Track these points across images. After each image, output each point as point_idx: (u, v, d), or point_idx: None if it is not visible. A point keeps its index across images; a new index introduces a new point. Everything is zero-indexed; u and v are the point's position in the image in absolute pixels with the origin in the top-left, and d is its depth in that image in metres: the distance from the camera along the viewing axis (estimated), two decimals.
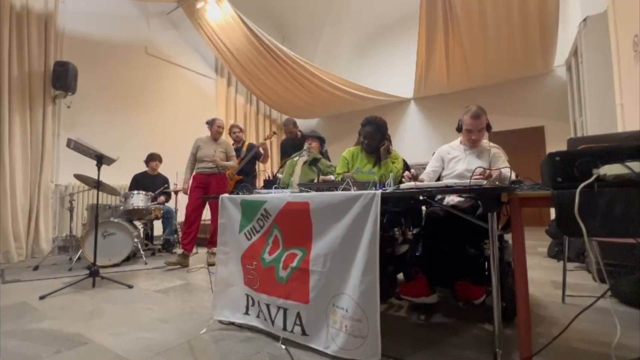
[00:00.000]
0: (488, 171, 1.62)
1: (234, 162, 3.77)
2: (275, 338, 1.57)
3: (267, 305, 1.63)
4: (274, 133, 4.23)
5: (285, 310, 1.56)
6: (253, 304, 1.71)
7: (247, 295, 1.74)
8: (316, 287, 1.47)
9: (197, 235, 3.54)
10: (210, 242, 3.57)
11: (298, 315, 1.51)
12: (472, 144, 2.08)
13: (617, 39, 2.76)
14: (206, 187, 3.60)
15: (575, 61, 4.50)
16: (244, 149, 4.02)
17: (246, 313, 1.73)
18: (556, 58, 5.35)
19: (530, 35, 4.70)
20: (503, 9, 4.38)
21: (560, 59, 5.31)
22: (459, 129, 2.13)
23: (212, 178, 3.61)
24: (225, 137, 4.23)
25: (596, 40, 3.63)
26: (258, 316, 1.68)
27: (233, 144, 4.11)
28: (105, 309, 2.11)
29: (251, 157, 3.90)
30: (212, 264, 3.15)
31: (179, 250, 3.53)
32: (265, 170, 4.29)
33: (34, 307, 2.15)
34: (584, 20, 3.82)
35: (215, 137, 3.73)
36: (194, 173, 3.71)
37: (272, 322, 1.60)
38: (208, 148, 3.65)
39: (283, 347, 1.49)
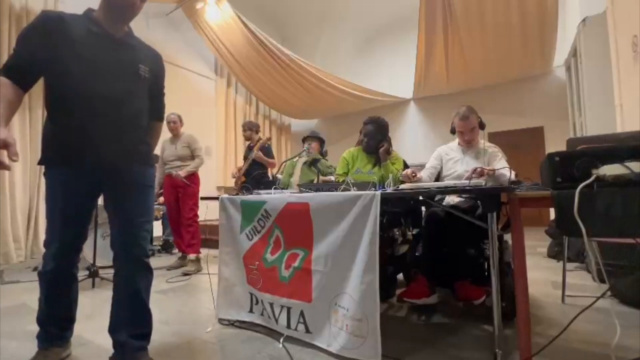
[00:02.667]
0: (480, 168, 1.63)
1: (198, 161, 3.42)
2: (276, 338, 1.57)
3: (271, 304, 1.65)
4: (269, 139, 4.06)
5: (288, 309, 1.58)
6: (257, 303, 1.73)
7: (251, 294, 1.75)
8: (318, 286, 1.49)
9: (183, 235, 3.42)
10: (188, 246, 3.31)
11: (301, 313, 1.53)
12: (468, 144, 2.12)
13: (616, 39, 2.77)
14: (175, 188, 3.37)
15: (574, 61, 4.51)
16: (255, 148, 3.78)
17: (250, 311, 1.75)
18: (555, 58, 5.36)
19: (529, 35, 4.71)
20: (502, 9, 4.39)
21: (559, 60, 5.33)
22: (453, 132, 2.17)
23: (179, 180, 3.30)
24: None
25: (595, 41, 3.64)
26: (262, 314, 1.70)
27: (250, 142, 3.90)
28: (105, 310, 2.09)
29: (250, 160, 3.75)
30: (187, 273, 3.04)
31: (179, 254, 3.50)
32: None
33: (33, 308, 2.14)
34: (583, 20, 3.83)
35: (172, 134, 3.46)
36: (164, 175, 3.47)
37: (276, 320, 1.62)
38: (169, 147, 3.45)
39: (281, 346, 1.49)
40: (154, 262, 3.91)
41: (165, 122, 3.42)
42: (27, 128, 4.04)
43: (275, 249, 1.67)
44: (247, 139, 3.96)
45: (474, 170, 1.62)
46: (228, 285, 1.83)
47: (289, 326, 1.57)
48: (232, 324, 1.77)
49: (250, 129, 3.92)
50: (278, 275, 1.63)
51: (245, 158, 3.86)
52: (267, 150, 3.83)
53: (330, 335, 1.43)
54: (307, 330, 1.51)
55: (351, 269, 1.38)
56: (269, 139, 4.10)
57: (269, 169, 4.02)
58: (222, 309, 1.82)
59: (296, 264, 1.57)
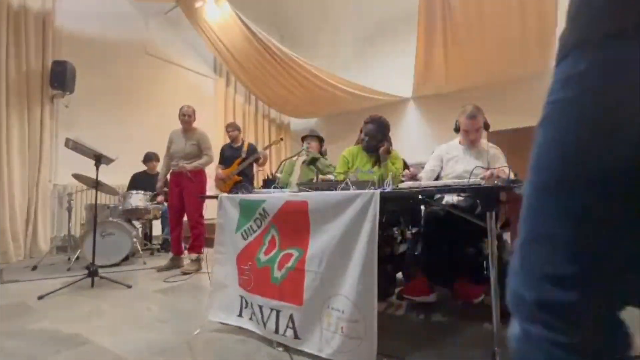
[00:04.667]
0: (489, 171, 1.61)
1: (207, 159, 3.37)
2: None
3: (260, 307, 1.60)
4: (281, 139, 4.11)
5: (278, 312, 1.53)
6: (246, 306, 1.69)
7: (241, 297, 1.72)
8: (310, 287, 1.44)
9: (181, 235, 3.41)
10: (191, 246, 3.32)
11: (291, 317, 1.48)
12: (471, 144, 2.09)
13: None
14: (180, 186, 3.31)
15: None
16: (245, 148, 3.86)
17: (240, 315, 1.70)
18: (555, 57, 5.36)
19: (528, 34, 4.71)
20: (501, 8, 4.39)
21: None
22: (457, 130, 2.14)
23: (183, 176, 3.26)
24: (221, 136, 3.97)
25: None
26: (251, 319, 1.65)
27: (232, 142, 3.98)
28: (104, 309, 2.11)
29: (255, 159, 3.77)
30: (187, 272, 3.06)
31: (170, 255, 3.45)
32: (263, 170, 4.23)
33: (32, 307, 2.15)
34: None
35: (184, 127, 3.37)
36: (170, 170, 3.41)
37: (264, 324, 1.57)
38: (179, 142, 3.32)
39: (280, 349, 1.48)
40: (153, 261, 3.93)
41: (179, 114, 3.33)
42: (26, 127, 4.03)
43: (270, 249, 1.63)
44: (233, 139, 3.97)
45: (490, 175, 1.55)
46: (220, 286, 1.81)
47: (277, 331, 1.51)
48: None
49: (237, 129, 3.98)
50: (270, 277, 1.58)
51: (232, 158, 3.84)
52: (254, 149, 3.89)
53: (322, 340, 1.39)
54: (296, 336, 1.46)
55: (347, 269, 1.36)
56: (281, 139, 4.13)
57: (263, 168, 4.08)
58: (213, 311, 1.78)
59: (290, 264, 1.53)
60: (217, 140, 6.77)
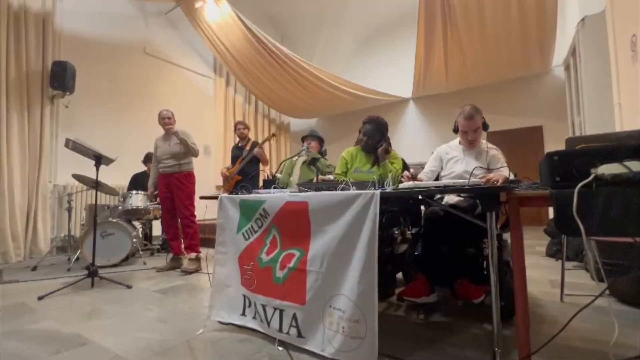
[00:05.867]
0: (488, 177, 1.59)
1: (194, 146, 3.43)
2: (274, 338, 1.57)
3: (264, 307, 1.62)
4: (273, 135, 4.11)
5: (281, 311, 1.55)
6: (250, 305, 1.70)
7: (244, 296, 1.73)
8: (313, 287, 1.46)
9: (177, 235, 3.43)
10: (187, 246, 3.35)
11: (294, 316, 1.50)
12: (470, 145, 2.09)
13: (615, 38, 2.77)
14: (169, 188, 3.36)
15: (573, 61, 4.51)
16: (247, 147, 3.88)
17: (243, 314, 1.72)
18: (554, 58, 5.36)
19: (528, 35, 4.71)
20: (501, 8, 4.39)
21: (558, 59, 5.33)
22: (455, 131, 2.14)
23: (173, 178, 3.33)
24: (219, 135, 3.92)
25: (594, 40, 3.64)
26: (254, 317, 1.66)
27: (239, 142, 4.01)
28: (104, 309, 2.11)
29: (252, 157, 3.82)
30: (188, 271, 3.10)
31: (169, 256, 3.46)
32: (264, 170, 4.22)
33: (32, 307, 2.15)
34: (582, 20, 3.84)
35: (166, 130, 3.41)
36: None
37: (268, 323, 1.59)
38: (163, 145, 3.41)
39: (280, 349, 1.48)
40: (153, 261, 3.93)
41: (159, 118, 3.35)
42: (26, 127, 4.03)
43: (272, 249, 1.65)
44: (242, 137, 4.00)
45: (487, 181, 1.53)
46: (222, 286, 1.81)
47: (280, 330, 1.53)
48: (229, 323, 1.76)
49: (247, 127, 4.03)
50: (272, 276, 1.60)
51: (237, 158, 3.86)
52: (254, 147, 3.87)
53: (324, 339, 1.40)
54: (299, 334, 1.47)
55: (347, 269, 1.36)
56: (274, 135, 4.14)
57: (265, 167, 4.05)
58: (215, 310, 1.79)
59: (291, 264, 1.54)
60: (217, 140, 6.82)
